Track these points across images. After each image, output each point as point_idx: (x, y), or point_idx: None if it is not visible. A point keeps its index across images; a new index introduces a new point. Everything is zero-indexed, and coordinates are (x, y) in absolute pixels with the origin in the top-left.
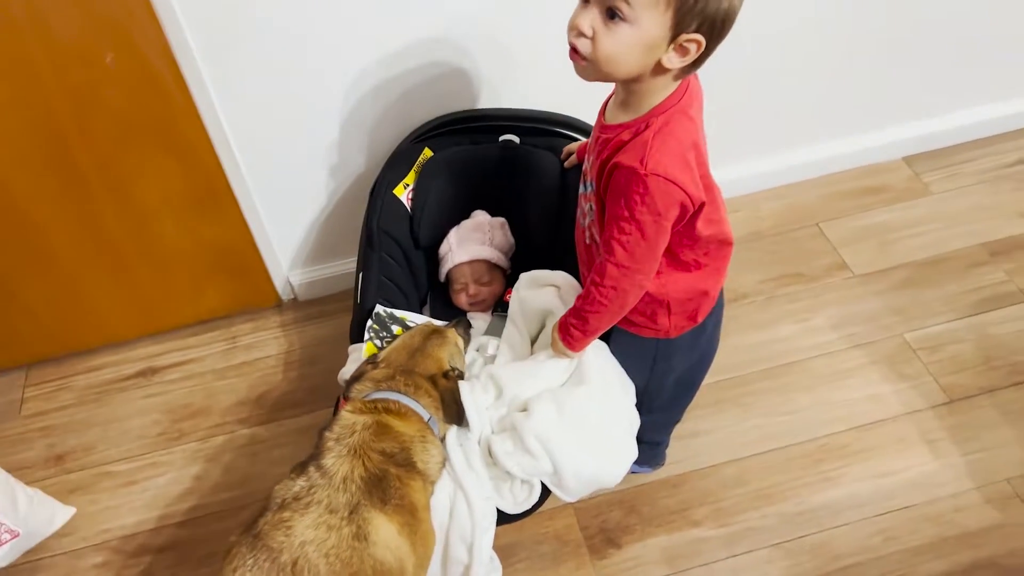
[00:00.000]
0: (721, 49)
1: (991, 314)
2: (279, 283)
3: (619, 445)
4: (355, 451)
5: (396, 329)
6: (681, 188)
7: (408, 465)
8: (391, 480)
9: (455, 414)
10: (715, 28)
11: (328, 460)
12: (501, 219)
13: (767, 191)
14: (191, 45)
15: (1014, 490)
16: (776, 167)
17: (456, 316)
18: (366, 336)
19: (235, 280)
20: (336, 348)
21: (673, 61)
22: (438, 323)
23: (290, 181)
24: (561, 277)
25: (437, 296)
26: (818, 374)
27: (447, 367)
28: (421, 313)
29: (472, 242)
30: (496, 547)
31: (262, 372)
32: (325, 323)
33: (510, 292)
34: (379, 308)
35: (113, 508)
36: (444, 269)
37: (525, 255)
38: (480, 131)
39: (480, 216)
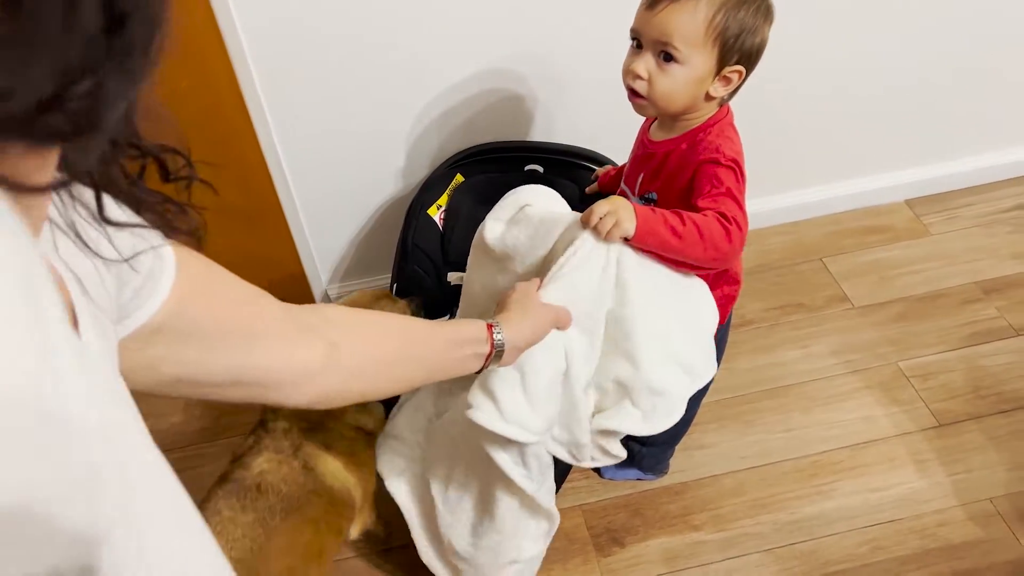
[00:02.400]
0: (744, 101)
1: (982, 347)
2: (318, 295)
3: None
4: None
5: None
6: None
7: (340, 419)
8: (331, 430)
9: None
10: (751, 59)
11: (268, 417)
12: None
13: (776, 227)
14: (255, 78)
15: (996, 509)
16: (785, 205)
17: None
18: None
19: (277, 292)
20: None
21: (719, 90)
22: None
23: (334, 201)
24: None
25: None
26: (816, 396)
27: None
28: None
29: None
30: None
31: None
32: None
33: None
34: None
35: None
36: None
37: None
38: (507, 160)
39: None
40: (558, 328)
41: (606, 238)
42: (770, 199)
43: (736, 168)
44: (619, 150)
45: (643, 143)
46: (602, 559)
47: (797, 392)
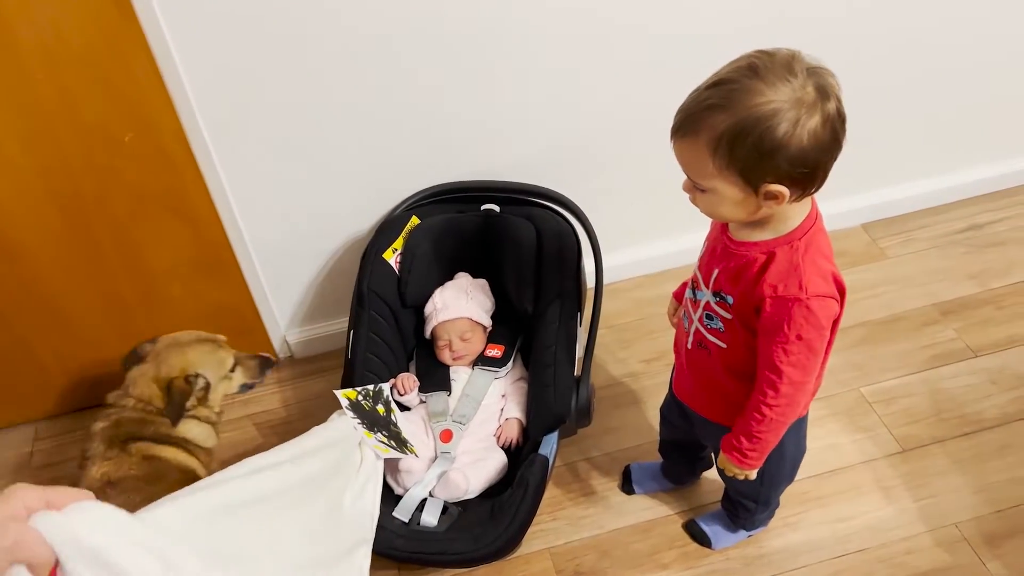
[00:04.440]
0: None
1: (942, 369)
2: (276, 342)
3: None
4: (112, 421)
5: (380, 407)
6: (836, 300)
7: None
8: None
9: (173, 416)
10: (792, 175)
11: (96, 426)
12: (482, 280)
13: None
14: (201, 127)
15: (961, 534)
16: None
17: (440, 370)
18: (360, 388)
19: (235, 339)
20: (330, 402)
21: (771, 206)
22: (220, 338)
23: (289, 248)
24: None
25: (422, 352)
26: None
27: (191, 372)
28: (407, 369)
29: (455, 301)
30: None
31: (259, 425)
32: (320, 379)
33: (491, 347)
34: (385, 388)
35: None
36: (429, 327)
37: (504, 313)
38: (463, 200)
39: (463, 278)
40: None
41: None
42: None
43: (817, 304)
44: (576, 189)
45: (722, 238)
46: None
47: None
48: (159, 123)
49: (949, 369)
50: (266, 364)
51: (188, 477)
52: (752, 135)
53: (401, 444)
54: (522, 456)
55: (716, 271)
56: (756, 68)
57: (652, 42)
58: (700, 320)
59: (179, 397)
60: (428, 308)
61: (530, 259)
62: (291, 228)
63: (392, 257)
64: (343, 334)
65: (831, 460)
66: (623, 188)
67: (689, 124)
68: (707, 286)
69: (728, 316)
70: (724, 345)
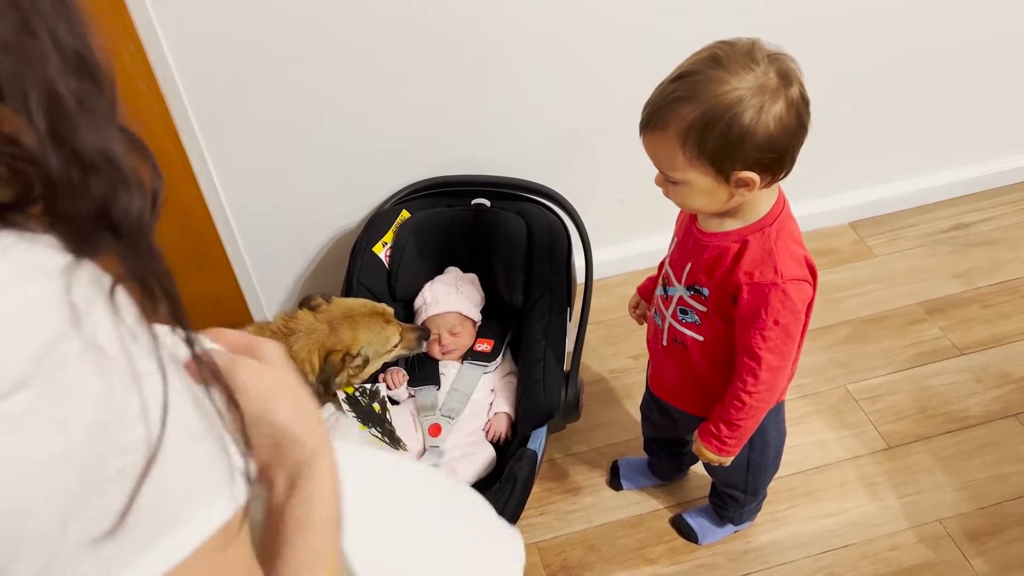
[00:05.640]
0: None
1: (927, 367)
2: None
3: None
4: None
5: (375, 405)
6: (810, 283)
7: None
8: None
9: (320, 390)
10: (761, 161)
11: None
12: (472, 275)
13: None
14: (191, 117)
15: (945, 530)
16: None
17: (430, 364)
18: (357, 385)
19: None
20: None
21: (743, 194)
22: (389, 311)
23: (279, 240)
24: None
25: None
26: None
27: (354, 352)
28: (396, 363)
29: (445, 295)
30: None
31: None
32: None
33: (480, 342)
34: (381, 388)
35: None
36: (419, 320)
37: (494, 308)
38: (454, 195)
39: (453, 272)
40: None
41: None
42: None
43: (793, 288)
44: (567, 185)
45: (692, 232)
46: None
47: None
48: (148, 113)
49: (935, 367)
50: (424, 336)
51: None
52: (719, 124)
53: (395, 442)
54: (510, 451)
55: (689, 265)
56: (718, 58)
57: (645, 38)
58: (674, 316)
59: (331, 373)
60: (418, 302)
61: (520, 254)
62: (281, 220)
63: (382, 251)
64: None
65: (817, 456)
66: (614, 184)
67: (657, 118)
68: (680, 281)
69: (703, 309)
70: (701, 338)
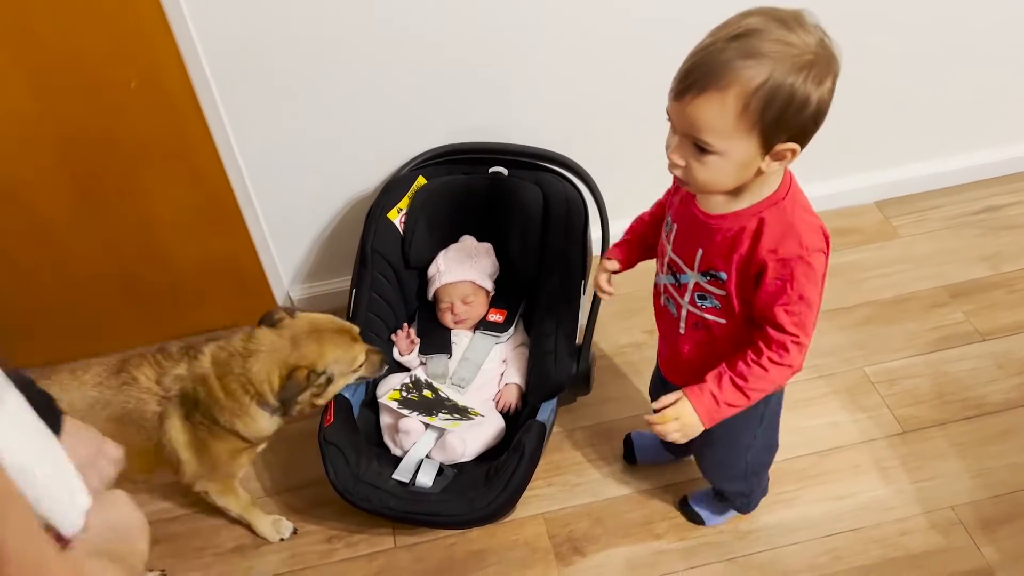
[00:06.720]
0: None
1: (947, 352)
2: (280, 297)
3: None
4: (193, 375)
5: (426, 392)
6: (826, 252)
7: (212, 418)
8: (198, 414)
9: (281, 408)
10: (807, 131)
11: (203, 356)
12: (487, 244)
13: None
14: (208, 76)
15: (958, 517)
16: None
17: (442, 333)
18: (398, 385)
19: (239, 293)
20: None
21: (772, 167)
22: (355, 330)
23: (294, 202)
24: None
25: (424, 314)
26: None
27: (320, 369)
28: (410, 326)
29: (459, 264)
30: (467, 552)
31: None
32: None
33: (493, 312)
34: (420, 374)
35: None
36: (432, 289)
37: (508, 278)
38: (471, 162)
39: (467, 241)
40: None
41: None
42: None
43: (815, 259)
44: (585, 153)
45: (694, 216)
46: (563, 568)
47: None
48: (165, 71)
49: (955, 352)
50: (386, 361)
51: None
52: (788, 88)
53: (463, 412)
54: (520, 422)
55: (700, 251)
56: (783, 19)
57: (673, 7)
58: (691, 302)
59: (294, 391)
60: (431, 270)
61: (536, 224)
62: (296, 182)
63: (397, 217)
64: (346, 292)
65: (830, 438)
66: (633, 155)
67: (713, 79)
68: (692, 268)
69: (722, 293)
70: (723, 321)
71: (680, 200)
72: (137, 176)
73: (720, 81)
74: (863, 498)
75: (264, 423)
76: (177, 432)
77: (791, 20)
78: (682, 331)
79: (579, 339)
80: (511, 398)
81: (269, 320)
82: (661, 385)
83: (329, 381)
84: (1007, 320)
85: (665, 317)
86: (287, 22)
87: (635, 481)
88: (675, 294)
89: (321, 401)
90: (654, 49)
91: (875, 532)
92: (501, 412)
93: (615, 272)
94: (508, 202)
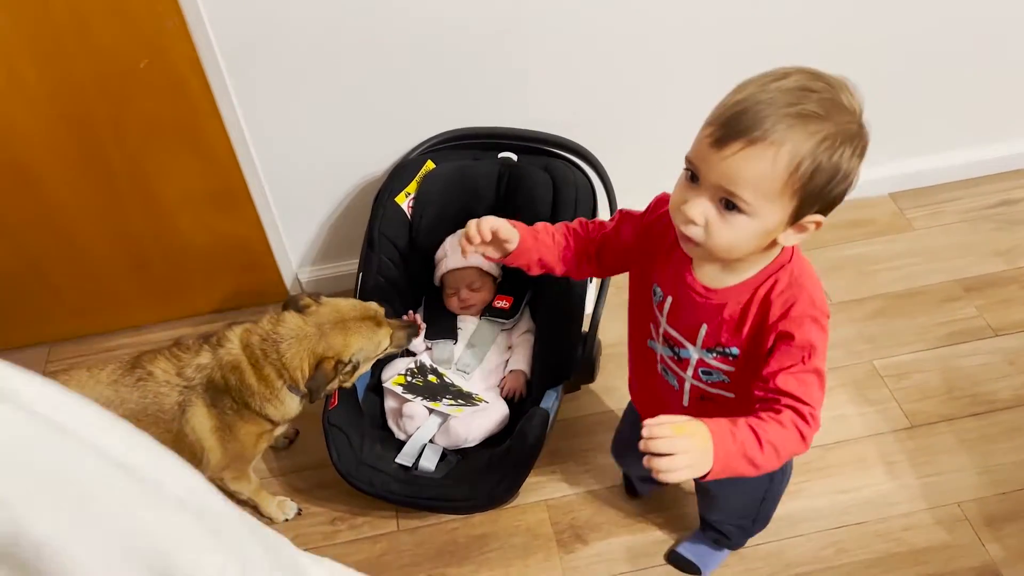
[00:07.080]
0: (716, 85)
1: (958, 347)
2: (288, 279)
3: None
4: (220, 363)
5: (431, 377)
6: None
7: (243, 403)
8: (227, 400)
9: (310, 398)
10: (834, 206)
11: (229, 343)
12: None
13: None
14: (218, 57)
15: (963, 513)
16: None
17: (448, 319)
18: (403, 370)
19: (247, 274)
20: None
21: (790, 239)
22: (380, 312)
23: (303, 184)
24: None
25: (431, 299)
26: None
27: (345, 359)
28: (416, 311)
29: None
30: (470, 537)
31: None
32: None
33: (500, 298)
34: (425, 359)
35: None
36: (438, 274)
37: None
38: (480, 147)
39: None
40: None
41: (660, 477)
42: None
43: (827, 323)
44: (594, 139)
45: (692, 289)
46: (565, 556)
47: None
48: (174, 51)
49: (966, 347)
50: (413, 333)
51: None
52: (837, 157)
53: (468, 398)
54: (524, 408)
55: (704, 327)
56: (831, 82)
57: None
58: (695, 377)
59: (322, 381)
60: (438, 254)
61: (545, 210)
62: (305, 164)
63: (405, 201)
64: (353, 276)
65: (837, 431)
66: (643, 142)
67: (766, 131)
68: (695, 343)
69: (731, 369)
70: (732, 395)
71: (672, 269)
72: (147, 157)
73: (774, 134)
74: (868, 492)
75: (293, 406)
76: (202, 420)
77: (840, 85)
78: (685, 405)
79: (585, 327)
80: (516, 385)
81: (295, 305)
82: (632, 455)
83: (356, 367)
84: (1020, 316)
85: (663, 388)
86: (298, 4)
87: None
88: (675, 367)
89: (347, 385)
90: (665, 36)
91: (880, 526)
92: (506, 398)
93: (500, 248)
94: (517, 188)
